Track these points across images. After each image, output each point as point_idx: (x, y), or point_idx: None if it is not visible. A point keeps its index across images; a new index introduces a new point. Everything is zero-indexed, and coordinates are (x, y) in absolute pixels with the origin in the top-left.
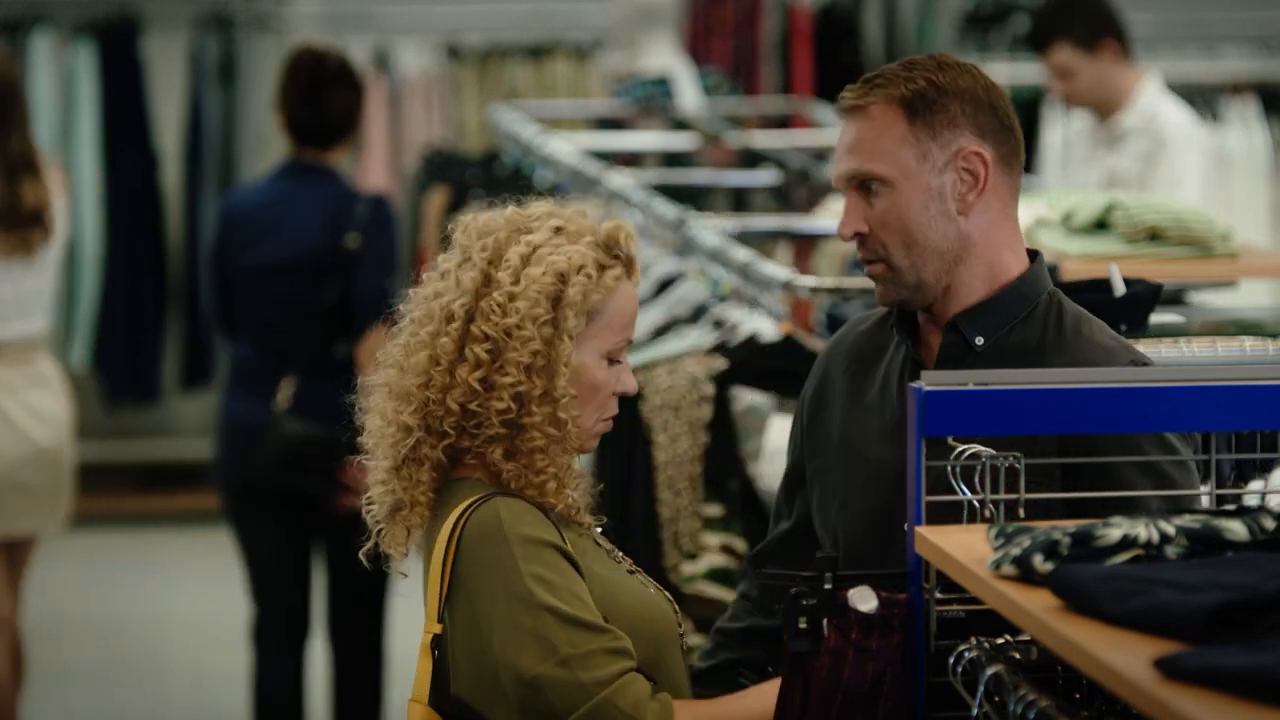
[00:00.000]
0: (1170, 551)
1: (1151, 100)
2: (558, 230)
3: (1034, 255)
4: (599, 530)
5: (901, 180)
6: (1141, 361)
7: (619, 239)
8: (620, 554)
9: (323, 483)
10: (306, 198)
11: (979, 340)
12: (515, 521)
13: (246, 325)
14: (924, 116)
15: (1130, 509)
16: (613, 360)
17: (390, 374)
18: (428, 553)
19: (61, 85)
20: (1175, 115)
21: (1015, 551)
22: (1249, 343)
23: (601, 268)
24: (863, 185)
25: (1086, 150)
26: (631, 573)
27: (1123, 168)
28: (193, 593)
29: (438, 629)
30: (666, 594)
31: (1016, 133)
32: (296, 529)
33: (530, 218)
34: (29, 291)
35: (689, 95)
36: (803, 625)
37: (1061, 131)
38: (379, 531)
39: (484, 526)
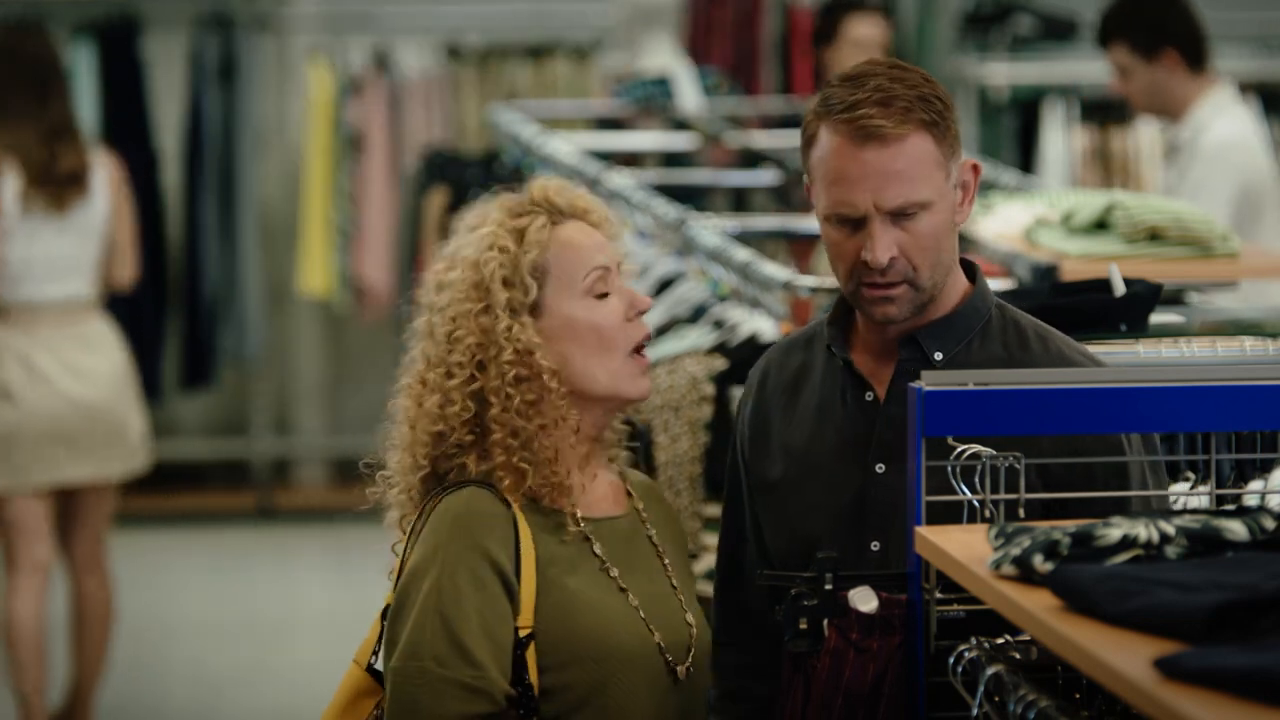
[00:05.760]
0: (1170, 551)
1: (1206, 115)
2: (472, 230)
3: (971, 265)
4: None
5: (938, 201)
6: None
7: (533, 193)
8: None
9: None
10: None
11: (938, 355)
12: (470, 518)
13: None
14: (945, 138)
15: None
16: (600, 295)
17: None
18: None
19: None
20: (1221, 130)
21: (1015, 551)
22: (1249, 343)
23: (519, 233)
24: (899, 211)
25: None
26: (658, 591)
27: (1170, 183)
28: (192, 593)
29: (390, 599)
30: (689, 618)
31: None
32: None
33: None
34: (63, 256)
35: (689, 95)
36: (803, 626)
37: (1062, 135)
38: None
39: (443, 512)
